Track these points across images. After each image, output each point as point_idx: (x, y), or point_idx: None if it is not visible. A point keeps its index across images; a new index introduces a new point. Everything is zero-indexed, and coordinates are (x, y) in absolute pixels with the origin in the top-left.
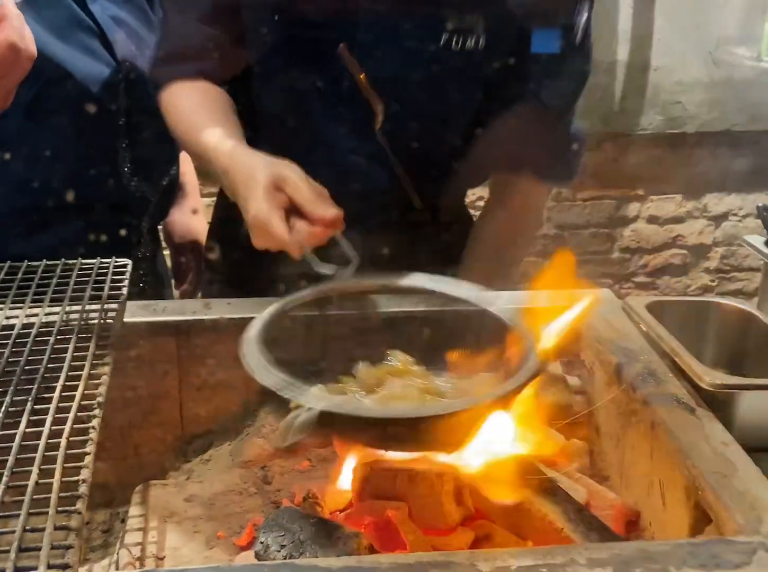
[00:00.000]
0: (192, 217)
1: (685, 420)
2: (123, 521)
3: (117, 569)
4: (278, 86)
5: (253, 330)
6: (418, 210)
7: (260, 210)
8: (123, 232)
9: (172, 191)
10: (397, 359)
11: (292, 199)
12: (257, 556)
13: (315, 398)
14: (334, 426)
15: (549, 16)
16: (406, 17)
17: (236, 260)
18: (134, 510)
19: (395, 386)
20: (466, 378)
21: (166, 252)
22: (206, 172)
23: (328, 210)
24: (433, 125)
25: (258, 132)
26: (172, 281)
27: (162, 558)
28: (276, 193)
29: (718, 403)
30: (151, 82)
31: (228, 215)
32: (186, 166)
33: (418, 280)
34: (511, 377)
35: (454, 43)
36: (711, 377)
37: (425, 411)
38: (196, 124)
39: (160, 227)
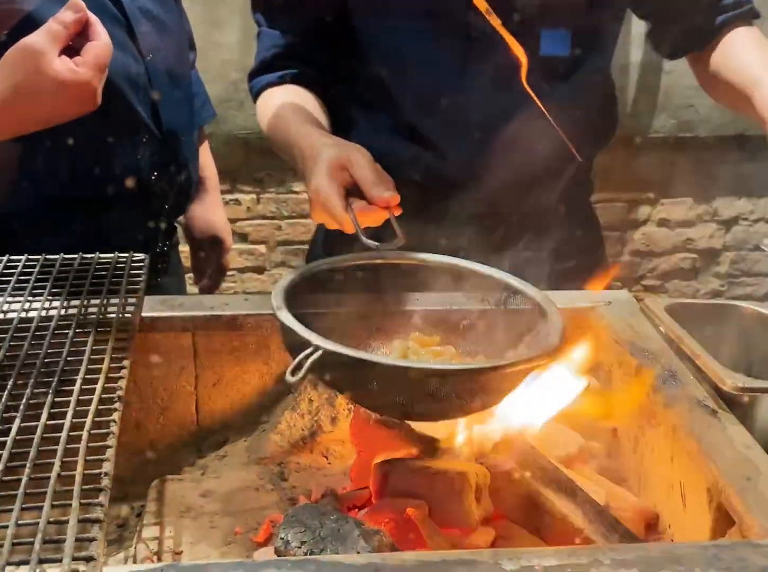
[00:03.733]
0: (212, 212)
1: (706, 422)
2: (139, 515)
3: (135, 563)
4: (411, 54)
5: (285, 281)
6: (576, 163)
7: (321, 184)
8: (141, 227)
9: (191, 187)
10: (414, 340)
11: (355, 178)
12: (277, 552)
13: (331, 342)
14: (344, 373)
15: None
16: None
17: None
18: (150, 505)
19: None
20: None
21: (183, 247)
22: (293, 165)
23: (386, 192)
24: (575, 68)
25: (387, 110)
26: (187, 277)
27: (179, 553)
28: (339, 171)
29: (739, 406)
30: (250, 92)
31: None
32: (207, 161)
33: (452, 259)
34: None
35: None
36: (732, 380)
37: (443, 366)
38: (280, 119)
39: (177, 222)
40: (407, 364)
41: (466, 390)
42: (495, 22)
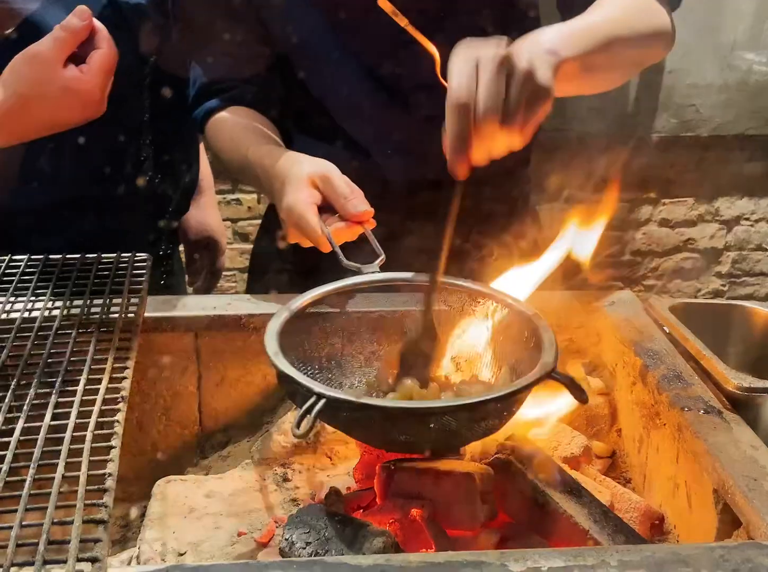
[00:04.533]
0: (207, 214)
1: (712, 423)
2: (142, 516)
3: (138, 563)
4: (327, 67)
5: (275, 324)
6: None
7: (293, 204)
8: (145, 228)
9: (192, 188)
10: (406, 387)
11: (326, 195)
12: (282, 553)
13: (332, 389)
14: (349, 418)
15: None
16: None
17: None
18: (154, 505)
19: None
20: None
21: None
22: (258, 189)
23: (359, 206)
24: None
25: (314, 121)
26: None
27: (183, 554)
28: (310, 189)
29: (744, 406)
30: (194, 118)
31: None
32: (202, 163)
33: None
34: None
35: None
36: (738, 380)
37: (446, 403)
38: (236, 141)
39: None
40: (413, 405)
41: (472, 422)
42: (402, 21)
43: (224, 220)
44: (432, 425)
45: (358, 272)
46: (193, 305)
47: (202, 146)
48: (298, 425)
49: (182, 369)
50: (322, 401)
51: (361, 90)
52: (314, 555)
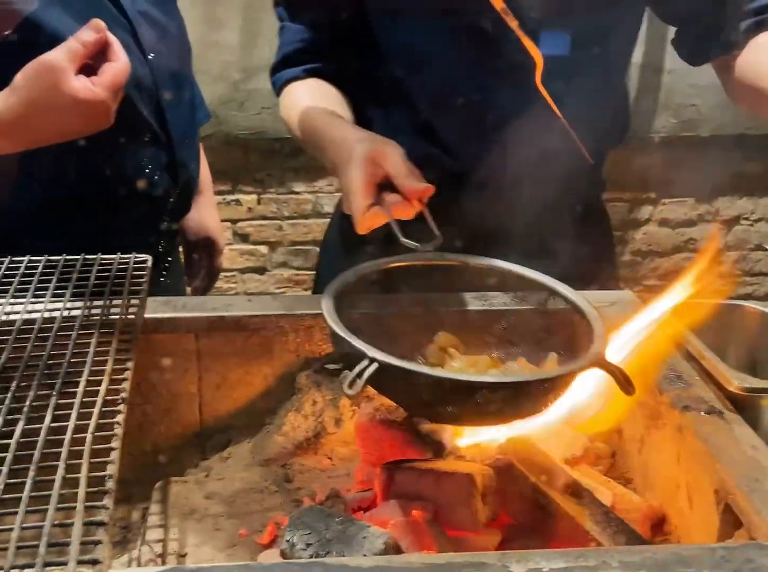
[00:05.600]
0: (206, 214)
1: (713, 423)
2: (143, 517)
3: (139, 565)
4: (426, 53)
5: (331, 289)
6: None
7: (351, 181)
8: (145, 228)
9: (194, 188)
10: (441, 341)
11: (386, 172)
12: (282, 554)
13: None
14: (397, 385)
15: None
16: None
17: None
18: (154, 507)
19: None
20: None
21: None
22: (322, 160)
23: (418, 184)
24: (588, 76)
25: (398, 106)
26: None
27: (183, 556)
28: (371, 166)
29: (745, 407)
30: (272, 87)
31: None
32: (201, 163)
33: (495, 261)
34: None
35: None
36: (739, 380)
37: (494, 378)
38: (304, 113)
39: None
40: (461, 377)
41: (517, 400)
42: (512, 22)
43: (224, 220)
44: (478, 399)
45: (414, 250)
46: (194, 306)
47: (200, 147)
48: (350, 386)
49: (183, 371)
50: (374, 365)
51: (454, 87)
52: (315, 557)
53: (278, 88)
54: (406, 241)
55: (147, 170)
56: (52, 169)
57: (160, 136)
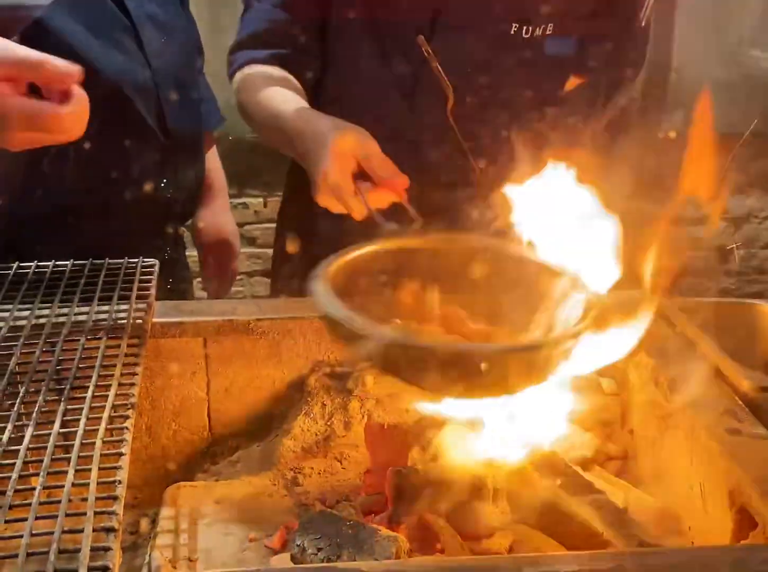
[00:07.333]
0: (221, 217)
1: (726, 423)
2: (153, 522)
3: (149, 571)
4: (357, 73)
5: (322, 271)
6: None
7: (330, 169)
8: (149, 233)
9: (198, 192)
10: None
11: (361, 162)
12: (293, 559)
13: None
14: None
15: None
16: (478, 14)
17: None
18: (164, 512)
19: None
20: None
21: (192, 252)
22: (278, 144)
23: (395, 174)
24: (500, 112)
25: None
26: (196, 282)
27: (194, 560)
28: (347, 156)
29: (759, 406)
30: (228, 63)
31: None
32: (215, 166)
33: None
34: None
35: (522, 35)
36: (751, 380)
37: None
38: (267, 96)
39: (185, 227)
40: (470, 348)
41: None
42: (433, 62)
43: None
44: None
45: (396, 232)
46: (201, 310)
47: (214, 150)
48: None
49: (191, 375)
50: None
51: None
52: (326, 561)
53: (237, 66)
54: (390, 224)
55: (150, 174)
56: (57, 174)
57: (162, 140)
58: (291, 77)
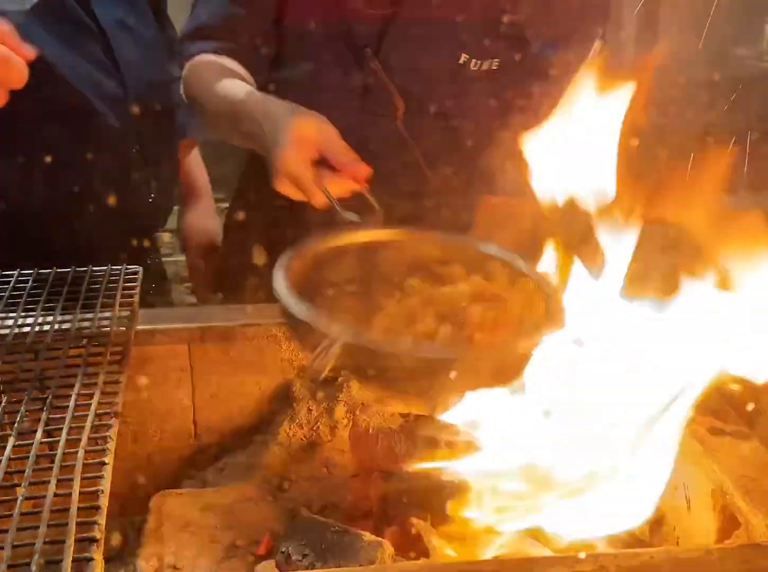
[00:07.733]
0: (206, 219)
1: (710, 423)
2: (139, 530)
3: None
4: (307, 79)
5: (281, 270)
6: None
7: (290, 157)
8: (120, 242)
9: (171, 200)
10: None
11: (321, 148)
12: (278, 565)
13: (344, 330)
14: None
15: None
16: (427, 30)
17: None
18: (150, 520)
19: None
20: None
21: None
22: (231, 133)
23: (356, 161)
24: (446, 122)
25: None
26: (184, 286)
27: (180, 568)
28: (306, 142)
29: (741, 406)
30: (176, 54)
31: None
32: (198, 169)
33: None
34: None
35: (470, 67)
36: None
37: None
38: (221, 84)
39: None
40: (424, 354)
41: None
42: (380, 72)
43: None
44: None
45: (357, 225)
46: (185, 316)
47: (196, 153)
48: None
49: (176, 382)
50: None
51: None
52: (311, 567)
53: (186, 56)
54: (349, 214)
55: (120, 183)
56: (24, 185)
57: (134, 147)
58: (243, 70)
